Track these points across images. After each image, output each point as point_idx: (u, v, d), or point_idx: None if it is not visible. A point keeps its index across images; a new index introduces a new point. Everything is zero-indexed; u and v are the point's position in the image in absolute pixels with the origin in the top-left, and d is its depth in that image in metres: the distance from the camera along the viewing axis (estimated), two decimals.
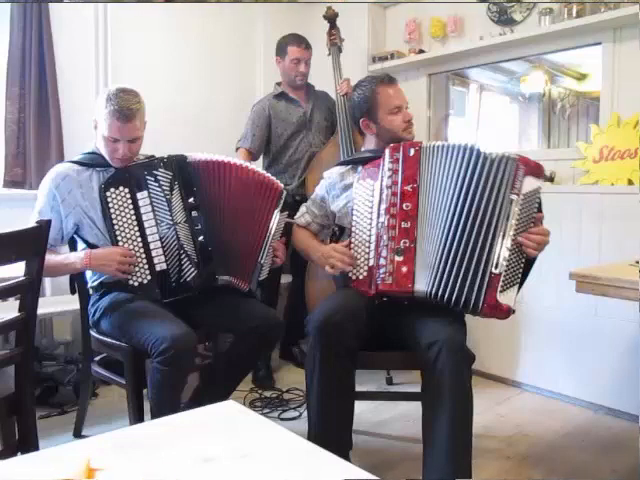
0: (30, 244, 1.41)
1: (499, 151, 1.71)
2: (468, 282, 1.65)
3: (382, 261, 1.74)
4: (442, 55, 3.11)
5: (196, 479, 0.73)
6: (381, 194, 1.79)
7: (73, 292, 2.00)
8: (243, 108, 3.12)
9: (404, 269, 1.72)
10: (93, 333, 1.99)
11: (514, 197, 1.66)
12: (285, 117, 2.96)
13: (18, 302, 1.45)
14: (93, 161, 1.92)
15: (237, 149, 2.94)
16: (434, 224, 1.73)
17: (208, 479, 0.73)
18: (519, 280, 1.68)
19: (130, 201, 1.87)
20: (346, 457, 1.72)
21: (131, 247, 1.85)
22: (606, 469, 2.00)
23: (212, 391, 1.95)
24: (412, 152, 1.79)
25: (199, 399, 1.87)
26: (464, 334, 1.72)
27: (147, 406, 1.76)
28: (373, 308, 1.76)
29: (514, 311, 1.66)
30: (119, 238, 1.85)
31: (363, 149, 2.08)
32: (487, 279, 1.64)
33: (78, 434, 2.17)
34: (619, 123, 2.48)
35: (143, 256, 1.86)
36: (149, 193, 1.88)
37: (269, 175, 2.05)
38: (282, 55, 2.95)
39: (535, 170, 1.69)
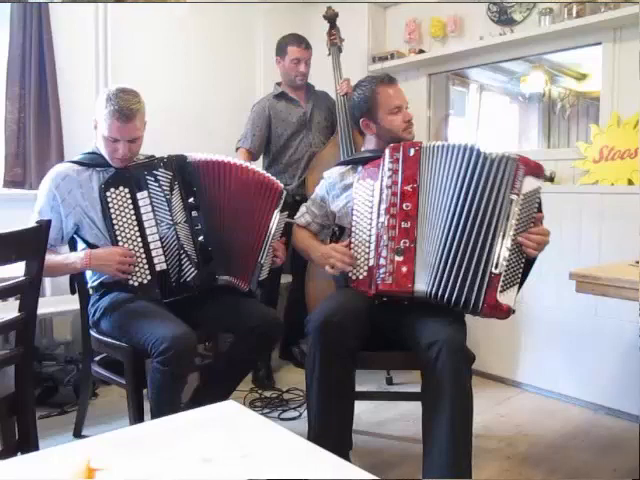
0: (30, 244, 1.41)
1: (499, 151, 1.71)
2: (468, 282, 1.65)
3: (382, 261, 1.74)
4: (442, 55, 3.12)
5: (196, 479, 0.73)
6: (381, 194, 1.79)
7: (73, 292, 2.00)
8: (243, 108, 3.11)
9: (404, 269, 1.72)
10: (93, 333, 1.99)
11: (514, 197, 1.66)
12: (285, 117, 2.96)
13: (18, 302, 1.45)
14: (93, 161, 1.92)
15: (237, 149, 2.94)
16: (434, 224, 1.73)
17: (208, 479, 0.73)
18: (519, 280, 1.68)
19: (130, 201, 1.87)
20: (346, 457, 1.72)
21: (131, 247, 1.85)
22: (606, 469, 2.00)
23: (212, 391, 1.95)
24: (412, 152, 1.79)
25: (199, 399, 1.87)
26: (464, 334, 1.72)
27: (147, 406, 1.76)
28: (373, 308, 1.76)
29: (514, 311, 1.66)
30: (119, 238, 1.85)
31: (363, 149, 2.08)
32: (487, 279, 1.64)
33: (78, 434, 2.17)
34: (619, 123, 2.48)
35: (143, 256, 1.86)
36: (149, 193, 1.88)
37: (269, 175, 2.05)
38: (282, 55, 2.95)
39: (535, 170, 1.69)
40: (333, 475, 0.74)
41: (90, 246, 1.89)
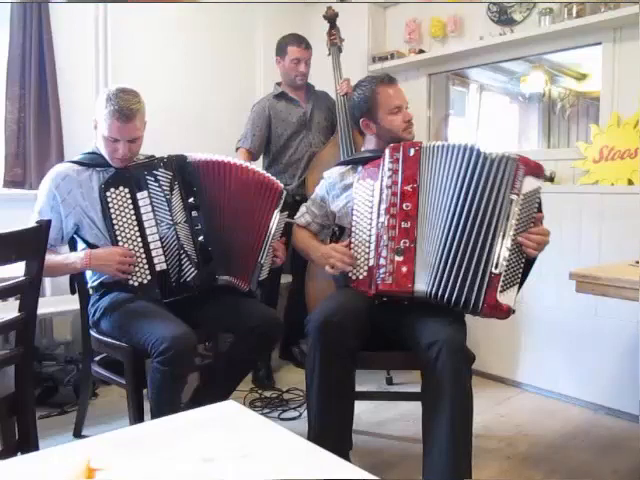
0: (30, 244, 1.41)
1: (499, 151, 1.71)
2: (468, 282, 1.65)
3: (382, 261, 1.74)
4: (442, 55, 3.12)
5: (196, 479, 0.73)
6: (381, 194, 1.79)
7: (73, 292, 2.00)
8: (243, 108, 3.11)
9: (404, 269, 1.72)
10: (93, 333, 1.99)
11: (514, 197, 1.66)
12: (285, 117, 2.96)
13: (18, 302, 1.45)
14: (93, 161, 1.92)
15: (237, 149, 2.94)
16: (434, 224, 1.73)
17: (208, 479, 0.73)
18: (519, 280, 1.68)
19: (130, 201, 1.87)
20: (346, 457, 1.72)
21: (131, 247, 1.85)
22: (606, 469, 2.00)
23: (212, 391, 1.95)
24: (412, 152, 1.79)
25: (199, 399, 1.87)
26: (464, 334, 1.72)
27: (147, 406, 1.76)
28: (373, 308, 1.76)
29: (514, 311, 1.66)
30: (119, 238, 1.85)
31: (363, 149, 2.08)
32: (487, 279, 1.64)
33: (78, 434, 2.17)
34: (619, 123, 2.48)
35: (143, 256, 1.86)
36: (149, 193, 1.88)
37: (269, 175, 2.05)
38: (282, 55, 2.95)
39: (535, 170, 1.69)
40: (333, 475, 0.74)
41: (90, 246, 1.89)
